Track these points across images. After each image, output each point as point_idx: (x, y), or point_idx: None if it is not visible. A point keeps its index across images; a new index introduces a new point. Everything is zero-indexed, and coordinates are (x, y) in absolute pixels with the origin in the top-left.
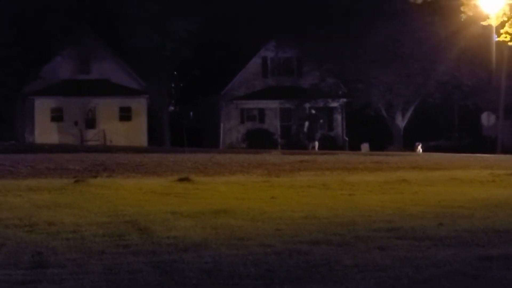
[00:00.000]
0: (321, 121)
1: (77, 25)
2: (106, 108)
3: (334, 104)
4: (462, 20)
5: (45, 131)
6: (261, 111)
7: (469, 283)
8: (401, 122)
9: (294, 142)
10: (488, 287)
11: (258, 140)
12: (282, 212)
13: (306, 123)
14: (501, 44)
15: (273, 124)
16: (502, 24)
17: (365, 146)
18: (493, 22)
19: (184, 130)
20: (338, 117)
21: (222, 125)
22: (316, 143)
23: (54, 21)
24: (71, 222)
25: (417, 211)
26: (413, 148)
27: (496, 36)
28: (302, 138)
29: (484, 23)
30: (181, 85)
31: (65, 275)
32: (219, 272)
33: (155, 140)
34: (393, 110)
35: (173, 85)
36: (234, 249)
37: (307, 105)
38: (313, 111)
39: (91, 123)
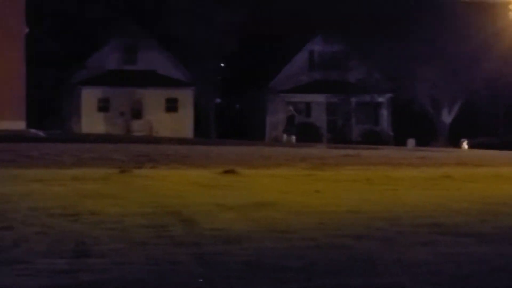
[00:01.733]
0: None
1: (124, 16)
2: (152, 99)
3: (380, 99)
4: (510, 17)
5: (91, 121)
6: (307, 105)
7: (511, 280)
8: (446, 118)
9: (340, 136)
10: None
11: (303, 134)
12: (325, 206)
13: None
14: None
15: (319, 118)
16: None
17: (411, 142)
18: None
19: (230, 122)
20: (384, 112)
21: (268, 118)
22: (293, 137)
23: (102, 11)
24: (114, 212)
25: (461, 208)
26: (458, 145)
27: None
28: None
29: None
30: (228, 77)
31: (107, 265)
32: (261, 265)
33: (201, 132)
34: (438, 106)
35: (219, 77)
36: (277, 242)
37: (353, 99)
38: (291, 108)
39: (137, 113)
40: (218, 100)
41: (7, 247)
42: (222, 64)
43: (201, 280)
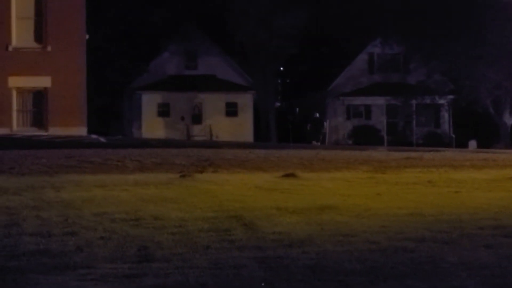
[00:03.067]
0: (325, 124)
1: (185, 21)
2: (212, 103)
3: (441, 101)
4: None
5: (151, 126)
6: (367, 108)
7: None
8: (508, 119)
9: (400, 139)
10: None
11: (364, 137)
12: (387, 209)
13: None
14: None
15: (379, 120)
16: None
17: (472, 144)
18: None
19: (290, 126)
20: (445, 114)
21: (328, 121)
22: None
23: (162, 16)
24: (176, 216)
25: None
26: None
27: None
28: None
29: None
30: (287, 81)
31: (170, 269)
32: (324, 268)
33: (261, 136)
34: (501, 107)
35: (279, 81)
36: (339, 246)
37: (414, 101)
38: (317, 115)
39: (197, 118)
40: (277, 104)
41: (71, 252)
42: (282, 68)
43: (263, 284)
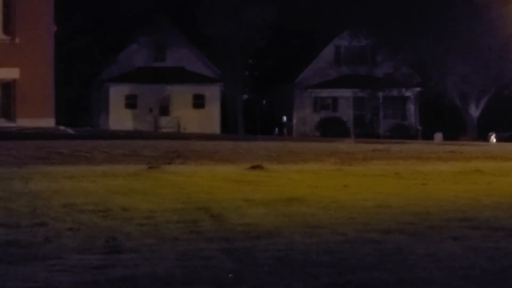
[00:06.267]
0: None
1: (154, 13)
2: (180, 95)
3: (408, 94)
4: None
5: (119, 118)
6: (335, 100)
7: None
8: (474, 112)
9: (367, 131)
10: None
11: (331, 129)
12: (354, 201)
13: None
14: None
15: (347, 112)
16: None
17: (438, 136)
18: None
19: (257, 118)
20: (412, 107)
21: (295, 113)
22: None
23: (131, 8)
24: (145, 208)
25: (491, 202)
26: (486, 138)
27: None
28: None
29: None
30: (255, 73)
31: (139, 260)
32: (292, 260)
33: (228, 128)
34: (467, 100)
35: (247, 73)
36: (306, 237)
37: (381, 94)
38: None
39: (165, 110)
40: (245, 96)
41: (39, 243)
42: (250, 60)
43: (231, 275)
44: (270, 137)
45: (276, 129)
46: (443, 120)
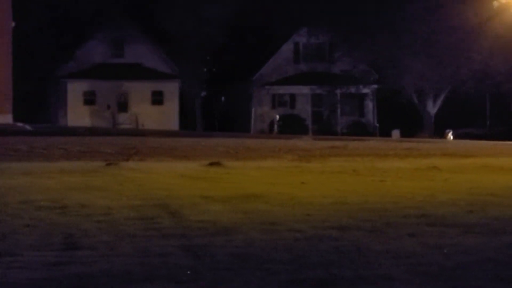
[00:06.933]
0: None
1: (112, 9)
2: (138, 92)
3: (366, 91)
4: (494, 7)
5: (77, 114)
6: (293, 97)
7: (499, 271)
8: (432, 109)
9: (325, 128)
10: None
11: (289, 126)
12: (312, 198)
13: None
14: None
15: (305, 109)
16: None
17: (395, 133)
18: None
19: (216, 115)
20: (369, 104)
21: (253, 110)
22: None
23: (89, 4)
24: (103, 204)
25: (448, 198)
26: (443, 135)
27: None
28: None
29: None
30: (214, 70)
31: (96, 257)
32: (250, 257)
33: (186, 125)
34: (424, 97)
35: (205, 70)
36: (264, 234)
37: (338, 91)
38: (277, 117)
39: (123, 106)
40: (204, 93)
41: None
42: (208, 57)
43: (188, 272)
44: (229, 133)
45: (272, 127)
46: (401, 117)
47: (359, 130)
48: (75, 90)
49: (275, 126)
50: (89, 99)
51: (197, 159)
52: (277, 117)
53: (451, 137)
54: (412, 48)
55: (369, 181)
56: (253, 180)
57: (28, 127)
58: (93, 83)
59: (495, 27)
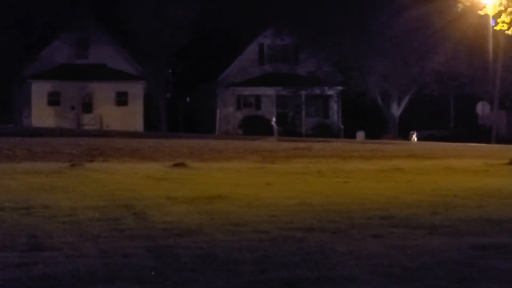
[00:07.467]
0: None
1: (76, 9)
2: (102, 93)
3: (330, 92)
4: (459, 9)
5: (41, 115)
6: (258, 98)
7: (463, 272)
8: (396, 111)
9: (290, 129)
10: (481, 275)
11: (254, 127)
12: (277, 199)
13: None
14: (497, 34)
15: (269, 111)
16: (499, 14)
17: (360, 134)
18: (490, 11)
19: (181, 116)
20: (334, 105)
21: (218, 111)
22: None
23: (53, 4)
24: (67, 205)
25: (412, 200)
26: (407, 137)
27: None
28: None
29: (480, 12)
30: (179, 71)
31: (60, 258)
32: (214, 258)
33: (151, 126)
34: (388, 99)
35: (170, 71)
36: (229, 235)
37: (303, 92)
38: (274, 119)
39: (87, 107)
40: (169, 94)
41: None
42: (173, 58)
43: (153, 273)
44: (193, 135)
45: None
46: (365, 119)
47: (323, 131)
48: (40, 90)
49: (274, 128)
50: (54, 99)
51: (161, 160)
52: (274, 119)
53: (415, 139)
54: (376, 50)
55: (334, 182)
56: (217, 181)
57: None
58: (57, 83)
59: (459, 29)
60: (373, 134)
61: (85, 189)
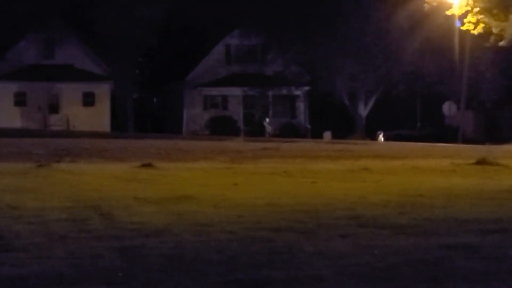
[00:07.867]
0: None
1: (43, 9)
2: (69, 93)
3: (297, 92)
4: (425, 10)
5: (8, 116)
6: (224, 98)
7: (430, 271)
8: (363, 111)
9: (257, 130)
10: (448, 275)
11: (221, 127)
12: (244, 199)
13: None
14: (464, 34)
15: (236, 111)
16: (465, 14)
17: (327, 135)
18: (456, 11)
19: (148, 116)
20: (301, 105)
21: (185, 111)
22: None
23: (20, 4)
24: (34, 206)
25: (379, 200)
26: (374, 137)
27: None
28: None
29: (447, 12)
30: (146, 71)
31: (27, 259)
32: (182, 258)
33: (119, 126)
34: (356, 99)
35: (137, 71)
36: (196, 235)
37: (270, 92)
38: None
39: (54, 108)
40: (136, 94)
41: None
42: (140, 59)
43: (120, 274)
44: (161, 135)
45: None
46: (333, 119)
47: (290, 131)
48: (6, 91)
49: (267, 129)
50: (20, 100)
51: (128, 160)
52: (267, 119)
53: (382, 139)
54: (343, 50)
55: (301, 182)
56: (185, 182)
57: None
58: (24, 84)
59: (426, 29)
60: (340, 134)
61: (52, 190)
